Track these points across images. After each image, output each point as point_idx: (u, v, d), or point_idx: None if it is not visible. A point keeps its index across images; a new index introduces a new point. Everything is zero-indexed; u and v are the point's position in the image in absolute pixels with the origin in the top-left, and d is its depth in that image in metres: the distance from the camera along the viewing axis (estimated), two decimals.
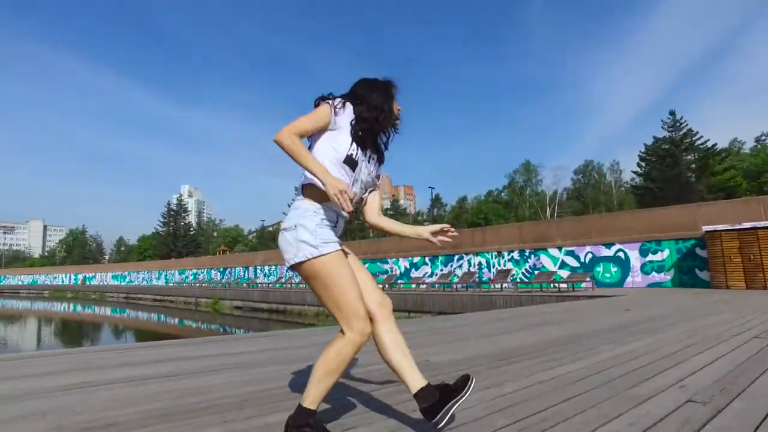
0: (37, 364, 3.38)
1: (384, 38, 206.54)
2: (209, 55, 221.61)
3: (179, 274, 40.79)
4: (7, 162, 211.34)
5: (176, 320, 22.66)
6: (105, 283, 47.29)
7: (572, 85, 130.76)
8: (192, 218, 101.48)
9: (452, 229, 1.80)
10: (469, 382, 1.57)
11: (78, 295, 42.91)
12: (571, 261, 17.68)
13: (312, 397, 1.53)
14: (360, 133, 1.69)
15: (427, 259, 22.97)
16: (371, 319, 1.62)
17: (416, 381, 1.58)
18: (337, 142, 1.66)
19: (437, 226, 1.80)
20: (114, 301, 36.46)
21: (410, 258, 23.77)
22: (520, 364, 2.90)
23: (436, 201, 70.38)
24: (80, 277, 51.45)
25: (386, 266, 24.68)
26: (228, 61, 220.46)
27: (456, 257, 21.72)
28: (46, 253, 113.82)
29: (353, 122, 1.69)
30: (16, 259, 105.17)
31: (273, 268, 32.49)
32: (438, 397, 1.55)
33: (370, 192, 1.85)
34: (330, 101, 1.67)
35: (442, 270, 22.03)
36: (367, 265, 25.48)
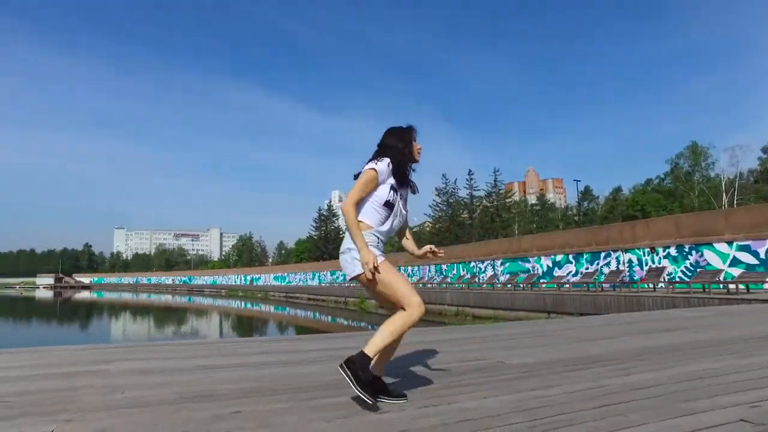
0: (189, 349, 4.21)
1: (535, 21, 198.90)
2: (342, 64, 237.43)
3: (330, 274, 44.21)
4: (192, 181, 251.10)
5: (329, 318, 24.74)
6: (268, 283, 53.38)
7: (757, 49, 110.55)
8: (342, 222, 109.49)
9: (438, 250, 2.39)
10: (398, 399, 2.18)
11: (247, 294, 49.25)
12: (747, 258, 15.12)
13: (374, 348, 2.03)
14: (397, 171, 2.25)
15: (570, 257, 21.59)
16: None
17: (369, 347, 2.05)
18: (380, 190, 2.22)
19: (427, 247, 2.41)
20: (275, 300, 41.09)
21: (553, 256, 22.57)
22: (588, 371, 2.83)
23: (585, 194, 65.59)
24: (248, 278, 58.86)
25: (528, 265, 23.77)
26: (357, 66, 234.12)
27: (603, 254, 20.04)
28: (222, 257, 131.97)
29: (389, 166, 2.23)
30: (202, 263, 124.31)
31: (415, 268, 33.60)
32: (371, 377, 2.06)
33: (402, 225, 2.41)
34: (375, 167, 2.20)
35: (587, 268, 20.55)
36: (507, 264, 25.05)
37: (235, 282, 61.18)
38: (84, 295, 56.71)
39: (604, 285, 17.16)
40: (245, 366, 3.27)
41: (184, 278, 77.37)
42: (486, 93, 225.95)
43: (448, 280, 27.80)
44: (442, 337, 4.80)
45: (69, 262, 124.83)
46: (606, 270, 19.31)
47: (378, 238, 2.24)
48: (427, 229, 59.94)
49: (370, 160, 2.27)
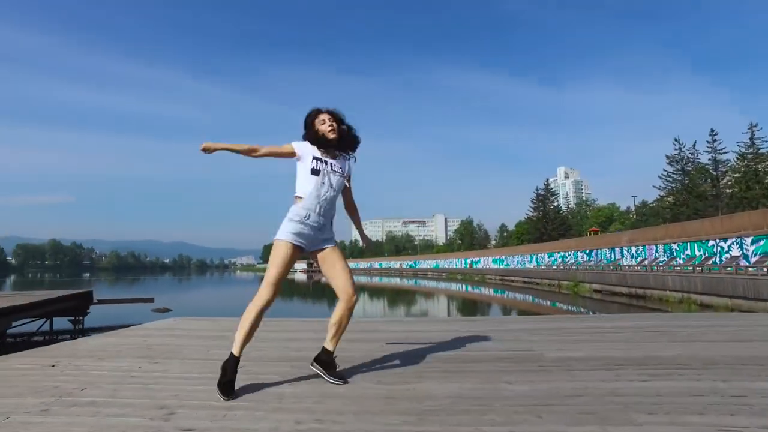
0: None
1: None
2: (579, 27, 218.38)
3: (548, 257, 42.52)
4: (419, 171, 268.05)
5: (548, 302, 24.15)
6: (487, 266, 54.18)
7: None
8: (571, 199, 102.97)
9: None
10: (338, 380, 2.63)
11: (466, 277, 51.03)
12: None
13: (236, 342, 2.52)
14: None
15: None
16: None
17: (327, 343, 2.72)
18: (305, 161, 2.69)
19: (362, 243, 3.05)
20: (492, 282, 41.64)
21: None
22: (635, 370, 2.67)
23: None
24: (468, 261, 60.71)
25: None
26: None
27: None
28: (447, 242, 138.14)
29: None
30: (427, 247, 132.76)
31: (640, 248, 29.87)
32: (326, 358, 2.70)
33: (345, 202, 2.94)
34: (293, 143, 2.74)
35: None
36: (762, 242, 20.23)
37: (456, 265, 63.84)
38: None
39: None
40: (354, 341, 3.97)
41: (410, 262, 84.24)
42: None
43: (679, 260, 24.00)
44: (532, 326, 4.70)
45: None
46: None
47: (308, 212, 2.59)
48: (666, 204, 51.79)
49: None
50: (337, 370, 2.74)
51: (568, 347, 3.61)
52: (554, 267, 38.65)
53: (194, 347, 3.90)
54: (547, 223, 66.74)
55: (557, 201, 72.57)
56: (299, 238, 2.59)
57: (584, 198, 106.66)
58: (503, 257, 52.59)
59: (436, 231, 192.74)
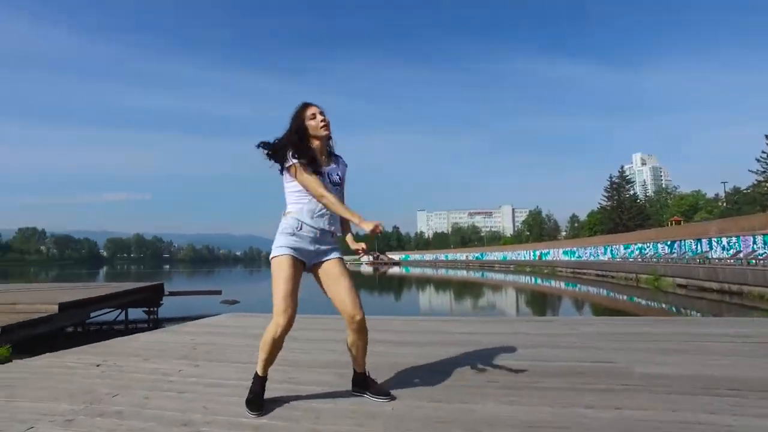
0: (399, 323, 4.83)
1: None
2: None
3: (624, 248, 39.96)
4: (485, 161, 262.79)
5: (624, 297, 22.61)
6: (557, 258, 51.85)
7: None
8: (649, 186, 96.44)
9: (363, 248, 2.44)
10: (383, 397, 2.33)
11: (534, 269, 49.10)
12: None
13: (259, 363, 2.29)
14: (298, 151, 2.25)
15: None
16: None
17: (355, 366, 2.41)
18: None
19: (358, 245, 2.46)
20: (563, 275, 39.70)
21: None
22: (755, 400, 2.09)
23: None
24: (537, 253, 58.42)
25: None
26: None
27: None
28: (514, 233, 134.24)
29: (289, 151, 2.26)
30: (494, 239, 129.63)
31: (733, 239, 27.13)
32: (360, 380, 2.41)
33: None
34: (290, 162, 2.25)
35: None
36: None
37: (524, 257, 61.70)
38: (395, 270, 67.06)
39: None
40: (399, 344, 3.63)
41: (477, 254, 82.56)
42: None
43: None
44: (610, 329, 4.08)
45: (383, 242, 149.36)
46: None
47: (299, 221, 2.25)
48: (765, 190, 46.86)
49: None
50: (379, 384, 2.47)
51: (659, 360, 3.03)
52: (631, 259, 36.22)
53: (238, 348, 3.73)
54: (623, 212, 62.79)
55: (633, 189, 68.04)
56: (296, 254, 2.25)
57: (664, 185, 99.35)
58: (574, 249, 50.19)
59: (503, 222, 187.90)
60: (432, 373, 2.83)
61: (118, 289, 10.89)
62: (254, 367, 2.37)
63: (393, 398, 2.34)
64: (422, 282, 39.47)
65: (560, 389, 2.44)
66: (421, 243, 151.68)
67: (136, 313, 12.15)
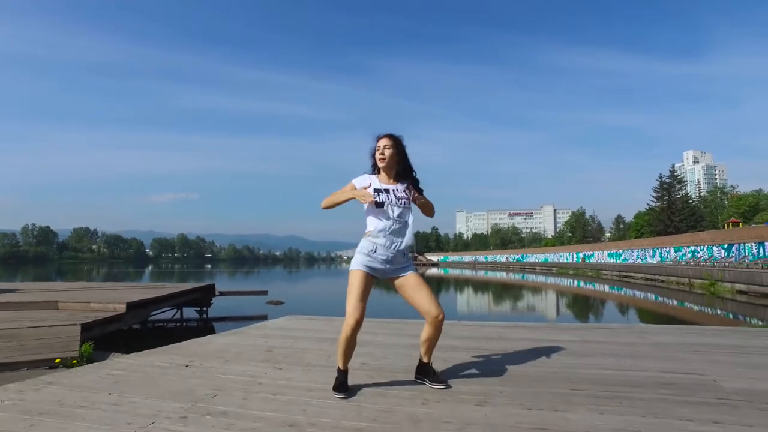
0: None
1: None
2: None
3: (675, 251, 38.41)
4: (525, 161, 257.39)
5: (675, 302, 21.74)
6: (602, 261, 50.29)
7: None
8: (703, 186, 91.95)
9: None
10: (440, 385, 2.70)
11: (578, 272, 47.74)
12: None
13: (338, 358, 2.66)
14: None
15: None
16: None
17: (422, 356, 2.80)
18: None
19: None
20: (608, 279, 38.49)
21: None
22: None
23: None
24: (580, 255, 56.81)
25: None
26: None
27: None
28: (556, 234, 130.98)
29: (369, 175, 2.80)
30: (534, 240, 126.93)
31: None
32: (424, 368, 2.79)
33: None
34: (355, 180, 2.81)
35: None
36: None
37: (567, 260, 60.21)
38: (433, 271, 66.69)
39: None
40: (457, 349, 3.68)
41: (517, 256, 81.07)
42: None
43: None
44: (685, 339, 3.97)
45: (421, 243, 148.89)
46: None
47: (374, 243, 2.63)
48: None
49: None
50: (438, 373, 2.84)
51: (749, 374, 2.96)
52: (682, 263, 34.77)
53: (314, 352, 3.86)
54: (673, 213, 60.23)
55: (685, 189, 65.08)
56: (369, 270, 2.66)
57: (719, 185, 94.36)
58: (620, 251, 48.61)
59: (544, 223, 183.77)
60: (515, 379, 2.87)
61: (175, 289, 11.37)
62: (334, 370, 2.74)
63: (449, 386, 2.71)
64: (461, 283, 39.11)
65: (649, 400, 2.43)
66: (460, 244, 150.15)
67: (188, 312, 12.64)
